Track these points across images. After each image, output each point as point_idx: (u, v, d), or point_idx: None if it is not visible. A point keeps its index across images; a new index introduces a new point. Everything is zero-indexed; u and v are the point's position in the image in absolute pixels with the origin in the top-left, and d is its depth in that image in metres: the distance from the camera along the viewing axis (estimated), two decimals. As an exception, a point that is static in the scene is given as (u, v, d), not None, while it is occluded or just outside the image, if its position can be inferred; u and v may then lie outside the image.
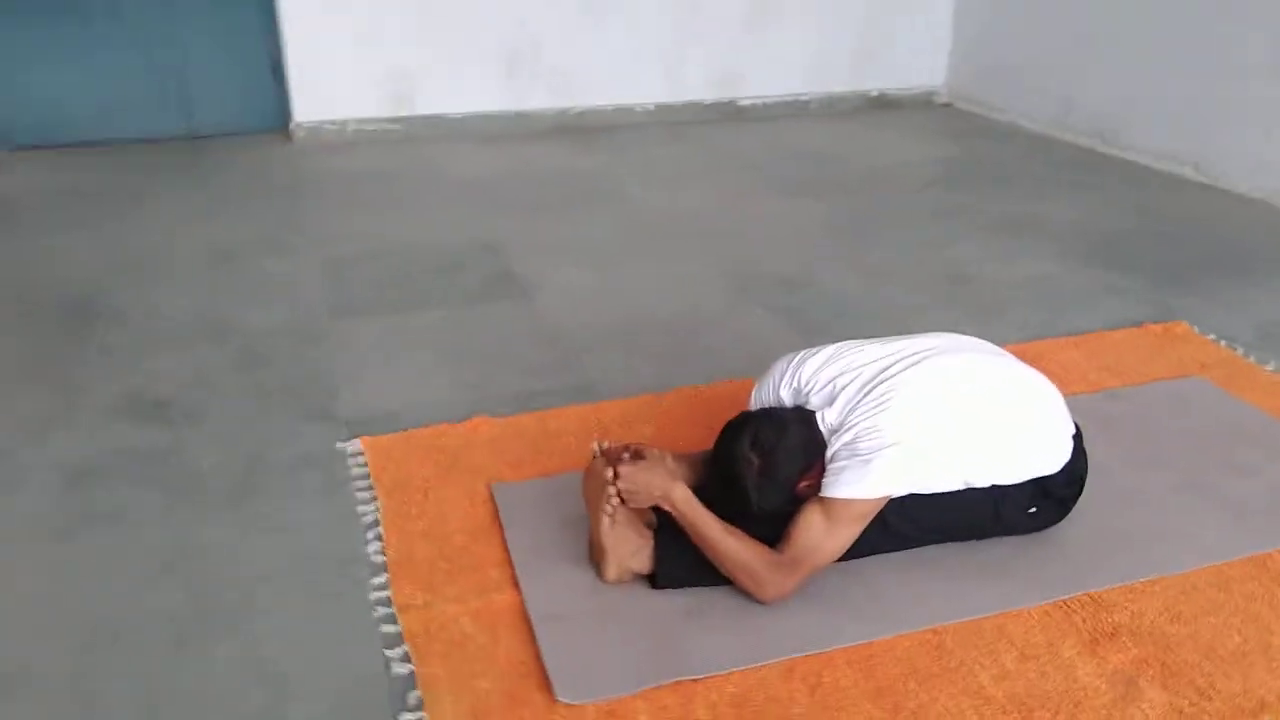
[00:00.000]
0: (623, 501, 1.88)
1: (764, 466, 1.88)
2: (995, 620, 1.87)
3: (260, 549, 2.07)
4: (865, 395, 1.93)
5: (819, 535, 1.84)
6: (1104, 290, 3.45)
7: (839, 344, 2.09)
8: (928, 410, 1.91)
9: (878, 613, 1.88)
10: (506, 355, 2.92)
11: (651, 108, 5.74)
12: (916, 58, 6.14)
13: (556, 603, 1.89)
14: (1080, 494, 2.08)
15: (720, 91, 5.85)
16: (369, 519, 2.15)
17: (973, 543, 2.05)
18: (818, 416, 1.96)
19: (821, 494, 1.86)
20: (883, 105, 6.18)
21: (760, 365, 2.18)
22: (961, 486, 1.96)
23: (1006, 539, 2.05)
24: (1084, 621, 1.86)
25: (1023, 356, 2.64)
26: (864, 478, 1.83)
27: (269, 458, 2.38)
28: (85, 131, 5.04)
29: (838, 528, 1.84)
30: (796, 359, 2.07)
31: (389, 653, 1.78)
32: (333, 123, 5.23)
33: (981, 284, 3.52)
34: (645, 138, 5.44)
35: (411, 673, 1.73)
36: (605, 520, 1.88)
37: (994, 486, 1.97)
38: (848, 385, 1.97)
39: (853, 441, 1.88)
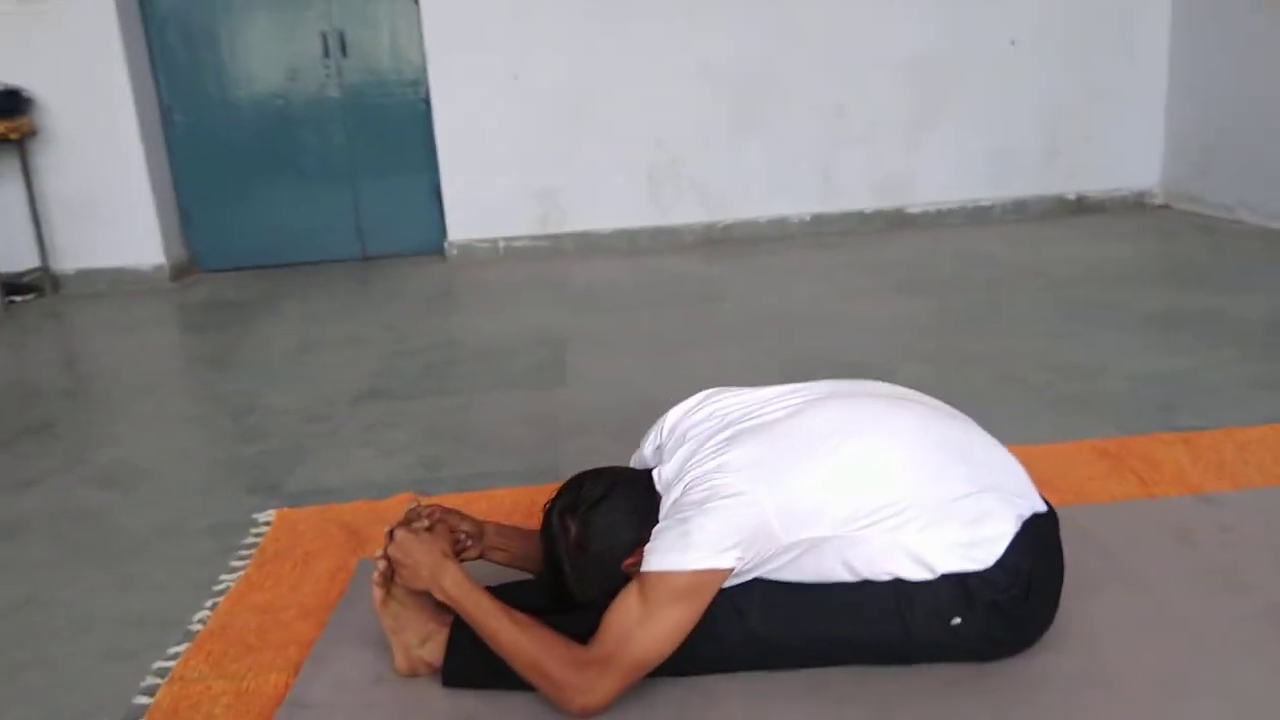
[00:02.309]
0: (393, 574, 1.54)
1: (580, 536, 1.49)
2: (857, 773, 1.31)
3: (96, 603, 1.94)
4: (709, 441, 1.49)
5: (631, 622, 1.39)
6: (1255, 385, 2.64)
7: (718, 389, 1.67)
8: (788, 462, 1.43)
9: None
10: (488, 438, 2.68)
11: (807, 219, 5.42)
12: (1123, 156, 5.39)
13: (322, 690, 1.56)
14: (1043, 604, 1.46)
15: (884, 199, 5.42)
16: (221, 587, 1.95)
17: (904, 669, 1.48)
18: (655, 474, 1.54)
19: (641, 568, 1.42)
20: (1082, 209, 5.44)
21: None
22: (850, 577, 1.44)
23: (960, 668, 1.47)
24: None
25: (1106, 453, 2.16)
26: (682, 541, 1.38)
27: (186, 525, 2.27)
28: (276, 255, 5.57)
29: (654, 612, 1.38)
30: (671, 411, 1.67)
31: (112, 723, 1.54)
32: (484, 241, 5.39)
33: (1095, 377, 2.83)
34: (789, 248, 5.11)
35: (119, 750, 1.48)
36: (377, 593, 1.54)
37: (897, 581, 1.43)
38: (699, 435, 1.54)
39: (680, 498, 1.44)
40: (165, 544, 2.19)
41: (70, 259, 5.28)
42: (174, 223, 5.47)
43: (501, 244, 5.38)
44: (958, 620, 1.42)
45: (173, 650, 1.73)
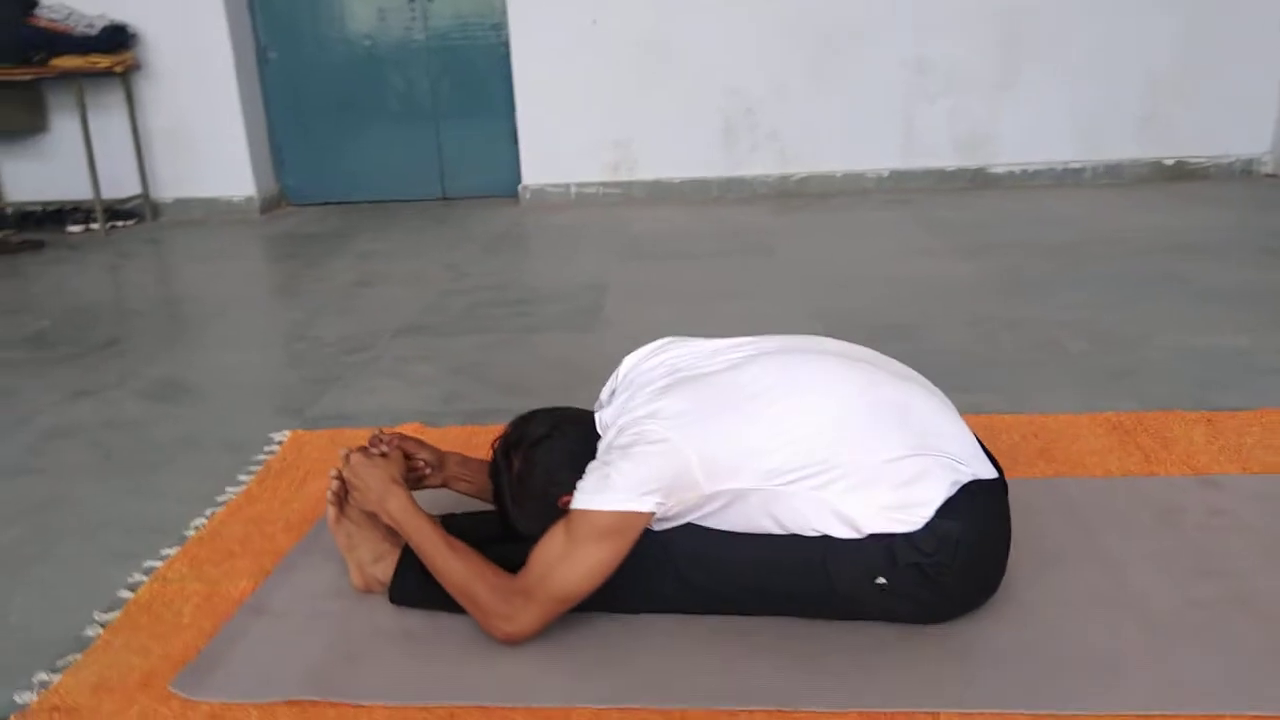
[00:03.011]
0: (346, 494, 1.61)
1: (522, 472, 1.53)
2: (756, 718, 1.31)
3: (113, 507, 2.08)
4: (648, 388, 1.51)
5: (554, 557, 1.43)
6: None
7: (676, 338, 1.67)
8: (716, 414, 1.43)
9: (625, 678, 1.41)
10: (509, 377, 2.74)
11: (884, 175, 5.27)
12: (1230, 121, 5.03)
13: (281, 599, 1.66)
14: (974, 571, 1.42)
15: (966, 158, 5.22)
16: (223, 499, 2.07)
17: (835, 624, 1.47)
18: (597, 417, 1.56)
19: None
20: (1181, 176, 5.12)
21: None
22: (777, 530, 1.44)
23: (891, 629, 1.46)
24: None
25: (1118, 426, 2.15)
26: (604, 482, 1.40)
27: (210, 440, 2.41)
28: (361, 193, 5.76)
29: (577, 549, 1.41)
30: (628, 357, 1.68)
31: (98, 614, 1.66)
32: (556, 186, 5.44)
33: (1138, 349, 2.69)
34: (862, 204, 4.99)
35: (94, 636, 1.60)
36: (330, 511, 1.62)
37: (824, 538, 1.42)
38: (643, 382, 1.55)
39: (612, 441, 1.46)
40: (188, 456, 2.33)
41: (169, 188, 5.57)
42: (266, 157, 5.70)
43: (573, 189, 5.42)
44: (882, 580, 1.40)
45: (164, 552, 1.85)
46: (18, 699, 1.45)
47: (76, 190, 5.30)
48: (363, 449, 1.62)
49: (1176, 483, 1.89)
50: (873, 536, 1.39)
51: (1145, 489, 1.87)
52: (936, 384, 2.22)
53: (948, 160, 5.23)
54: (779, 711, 1.32)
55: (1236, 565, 1.60)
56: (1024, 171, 5.21)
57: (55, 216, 5.44)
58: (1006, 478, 1.51)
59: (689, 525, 1.47)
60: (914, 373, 1.58)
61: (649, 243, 4.42)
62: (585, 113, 5.31)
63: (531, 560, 1.45)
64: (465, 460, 1.75)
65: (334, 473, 1.62)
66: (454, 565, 1.48)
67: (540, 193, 5.45)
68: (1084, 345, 2.75)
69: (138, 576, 1.78)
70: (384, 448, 1.63)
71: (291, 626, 1.58)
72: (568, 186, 5.43)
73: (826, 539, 1.41)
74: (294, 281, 4.18)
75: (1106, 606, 1.51)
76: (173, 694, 1.43)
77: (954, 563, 1.38)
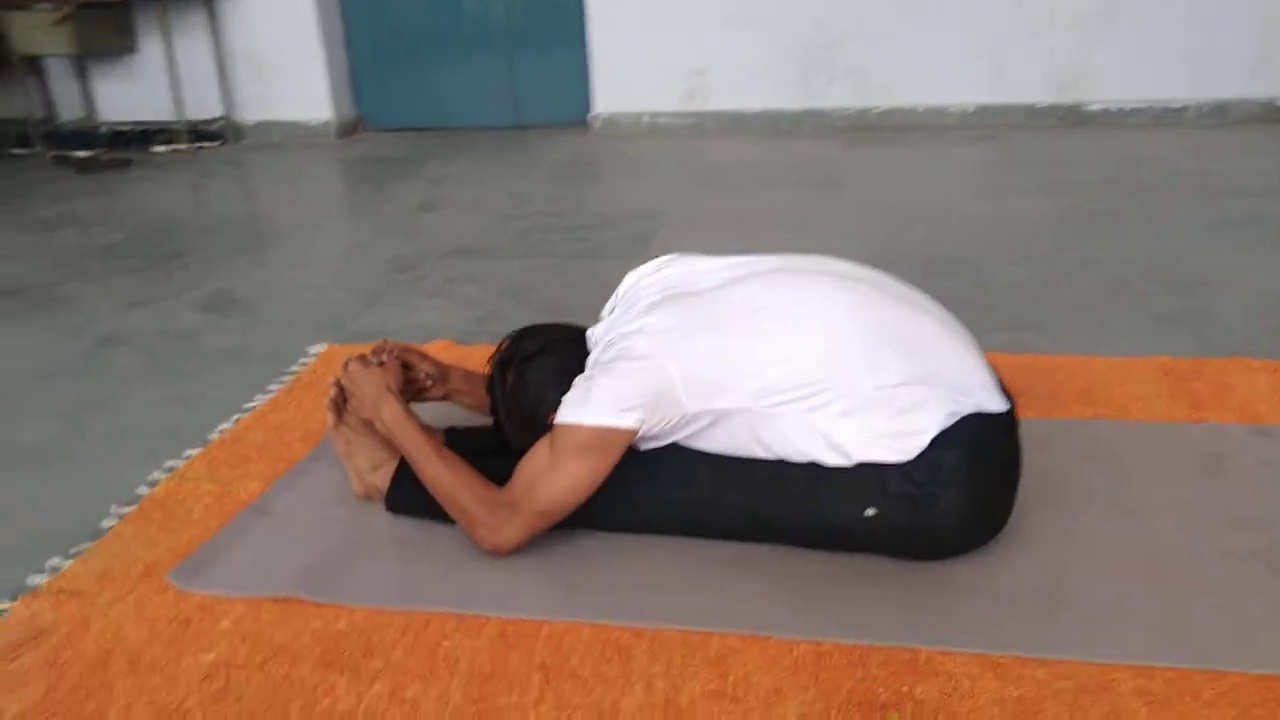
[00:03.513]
0: (345, 401, 1.62)
1: (514, 388, 1.51)
2: (730, 642, 1.28)
3: (149, 411, 2.15)
4: (639, 305, 1.46)
5: (538, 471, 1.41)
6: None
7: (679, 255, 1.62)
8: (703, 331, 1.38)
9: (603, 595, 1.39)
10: (549, 300, 2.73)
11: (970, 110, 5.02)
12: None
13: (285, 502, 1.69)
14: (969, 507, 1.35)
15: (1060, 94, 4.92)
16: (251, 406, 2.11)
17: (828, 555, 1.42)
18: (589, 334, 1.52)
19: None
20: (1299, 116, 4.75)
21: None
22: (765, 454, 1.39)
23: (885, 563, 1.40)
24: (855, 680, 1.20)
25: (1171, 371, 2.03)
26: (585, 396, 1.37)
27: (252, 351, 2.46)
28: (437, 119, 5.77)
29: (559, 463, 1.39)
30: (630, 274, 1.63)
31: (115, 508, 1.72)
32: (628, 115, 5.34)
33: (1210, 293, 2.51)
34: (944, 140, 4.76)
35: (108, 528, 1.65)
36: (329, 418, 1.63)
37: (812, 464, 1.36)
38: (639, 299, 1.51)
39: (598, 357, 1.43)
40: (227, 366, 2.38)
41: (251, 111, 5.67)
42: (344, 82, 5.73)
43: (645, 118, 5.32)
44: (871, 511, 1.34)
45: (187, 453, 1.90)
46: (29, 581, 1.52)
47: (164, 111, 5.45)
48: (362, 358, 1.62)
49: (1225, 430, 1.76)
50: (863, 465, 1.33)
51: (1189, 435, 1.75)
52: (984, 320, 2.15)
53: (1039, 96, 4.94)
54: (752, 636, 1.28)
55: (1275, 516, 1.49)
56: (1120, 110, 4.89)
57: (143, 137, 5.60)
58: (1041, 417, 1.43)
59: (676, 446, 1.43)
60: (923, 297, 1.49)
61: (715, 173, 4.33)
62: (660, 40, 5.18)
63: (517, 473, 1.44)
64: (469, 375, 1.73)
65: (333, 380, 1.62)
66: (443, 475, 1.48)
67: (612, 121, 5.36)
68: (1155, 288, 2.58)
69: (157, 475, 1.83)
70: (383, 357, 1.63)
71: (290, 528, 1.61)
72: (639, 115, 5.33)
73: (815, 466, 1.35)
74: (361, 204, 4.23)
75: (1122, 553, 1.42)
76: (168, 584, 1.47)
77: (946, 496, 1.31)
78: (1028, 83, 4.93)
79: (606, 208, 3.79)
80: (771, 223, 3.45)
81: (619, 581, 1.42)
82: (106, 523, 1.67)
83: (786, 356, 1.34)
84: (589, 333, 1.53)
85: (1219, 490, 1.57)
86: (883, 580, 1.38)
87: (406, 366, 1.66)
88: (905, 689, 1.18)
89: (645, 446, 1.44)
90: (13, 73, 5.47)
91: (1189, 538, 1.45)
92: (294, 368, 2.31)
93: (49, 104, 5.89)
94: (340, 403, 1.62)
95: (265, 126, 5.66)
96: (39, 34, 5.21)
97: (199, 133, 5.54)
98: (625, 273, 2.89)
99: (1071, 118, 4.94)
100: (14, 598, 1.47)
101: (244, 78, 5.60)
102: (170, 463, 1.87)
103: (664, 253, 2.92)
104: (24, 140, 5.56)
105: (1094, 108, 4.92)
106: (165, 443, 1.97)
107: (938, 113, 5.05)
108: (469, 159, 4.92)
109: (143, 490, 1.77)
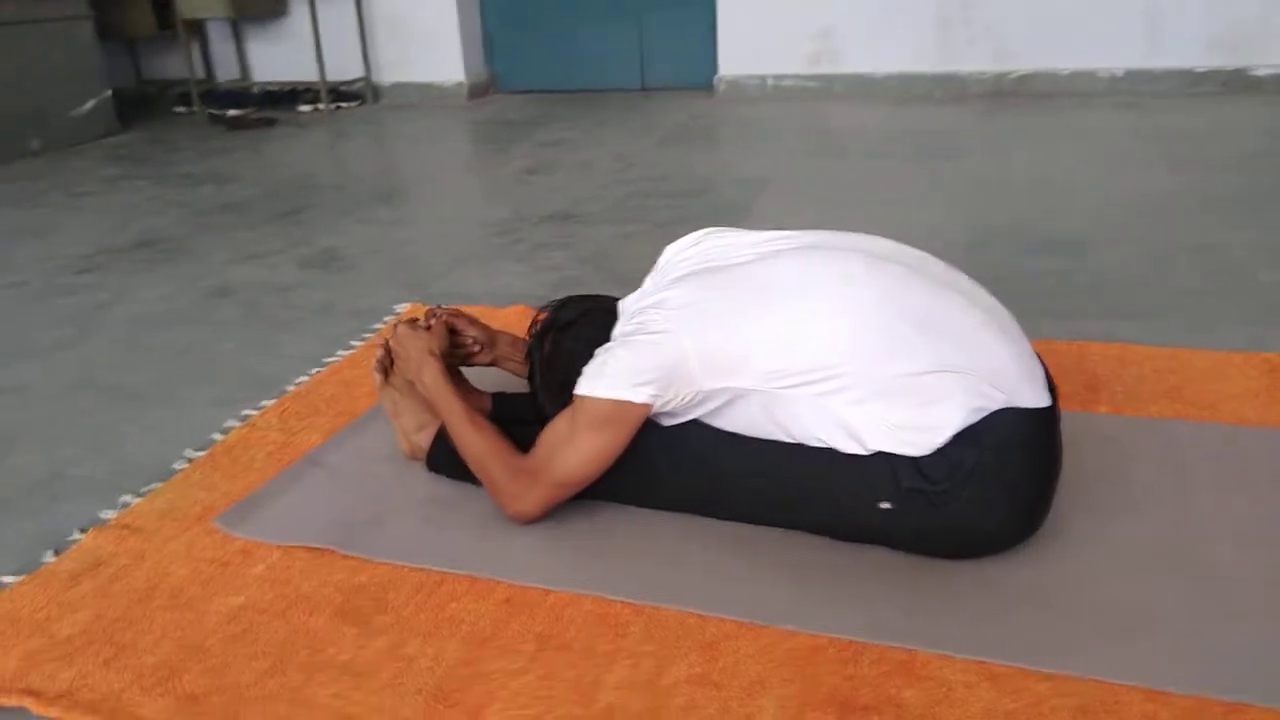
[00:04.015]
0: (392, 363, 1.67)
1: (549, 356, 1.52)
2: (725, 627, 1.26)
3: (237, 360, 2.28)
4: (668, 277, 1.44)
5: (559, 441, 1.42)
6: None
7: (720, 229, 1.59)
8: (721, 308, 1.36)
9: (612, 570, 1.39)
10: (630, 268, 2.69)
11: (1119, 75, 4.68)
12: None
13: (338, 456, 1.76)
14: (989, 507, 1.27)
15: (1224, 57, 4.52)
16: (330, 360, 2.21)
17: (838, 545, 1.38)
18: (620, 305, 1.51)
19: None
20: None
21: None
22: (783, 436, 1.35)
23: (903, 558, 1.35)
24: (842, 678, 1.16)
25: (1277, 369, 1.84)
26: (601, 370, 1.37)
27: (341, 307, 2.56)
28: (566, 81, 5.83)
29: (577, 434, 1.40)
30: (670, 246, 1.61)
31: (189, 451, 1.84)
32: (753, 78, 5.25)
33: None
34: (1087, 107, 4.46)
35: (177, 470, 1.77)
36: (375, 379, 1.68)
37: (829, 450, 1.31)
38: (671, 273, 1.49)
39: (621, 329, 1.42)
40: (317, 320, 2.49)
41: (389, 72, 5.87)
42: (477, 45, 5.86)
43: (770, 82, 5.22)
44: (886, 505, 1.29)
45: (262, 403, 2.01)
46: (102, 515, 1.65)
47: (309, 72, 5.71)
48: (411, 321, 1.67)
49: (1309, 437, 1.60)
50: (879, 455, 1.28)
51: (1278, 443, 1.60)
52: (1077, 306, 2.04)
53: (1198, 60, 4.56)
54: (749, 624, 1.26)
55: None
56: (1295, 75, 4.47)
57: (290, 96, 5.89)
58: (1114, 413, 1.33)
59: (697, 423, 1.41)
60: (967, 282, 1.40)
61: (832, 140, 4.21)
62: (789, 2, 5.05)
63: (539, 443, 1.45)
64: (515, 341, 1.76)
65: (381, 341, 1.68)
66: (474, 440, 1.51)
67: (736, 85, 5.28)
68: (1275, 278, 2.35)
69: (232, 422, 1.94)
70: (431, 321, 1.67)
71: (336, 481, 1.68)
72: (764, 79, 5.22)
73: (832, 452, 1.31)
74: (476, 165, 4.33)
75: (1162, 566, 1.32)
76: (215, 527, 1.56)
77: (964, 495, 1.24)
78: (1186, 44, 4.56)
79: (712, 174, 3.74)
80: (874, 194, 3.33)
81: (629, 557, 1.42)
82: (178, 464, 1.79)
83: (802, 338, 1.30)
84: (621, 303, 1.52)
85: (1300, 504, 1.43)
86: (894, 576, 1.33)
87: (454, 332, 1.69)
88: (893, 692, 1.14)
89: (666, 422, 1.42)
90: (176, 36, 5.84)
91: (1242, 557, 1.32)
92: (376, 325, 2.40)
93: (209, 65, 6.27)
94: (388, 364, 1.68)
95: (402, 87, 5.85)
96: (198, -2, 5.54)
97: (340, 93, 5.78)
98: None
99: (1235, 83, 4.54)
100: (84, 529, 1.60)
101: (384, 40, 5.80)
102: (246, 411, 1.99)
103: (755, 223, 2.92)
104: (185, 99, 5.95)
105: (1262, 72, 4.50)
106: (247, 391, 2.09)
107: (1083, 77, 4.74)
108: (589, 122, 4.95)
109: (216, 436, 1.89)
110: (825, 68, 5.10)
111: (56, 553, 1.54)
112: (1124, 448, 1.60)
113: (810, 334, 1.30)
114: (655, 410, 1.37)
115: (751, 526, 1.45)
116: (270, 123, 5.42)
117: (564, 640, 1.27)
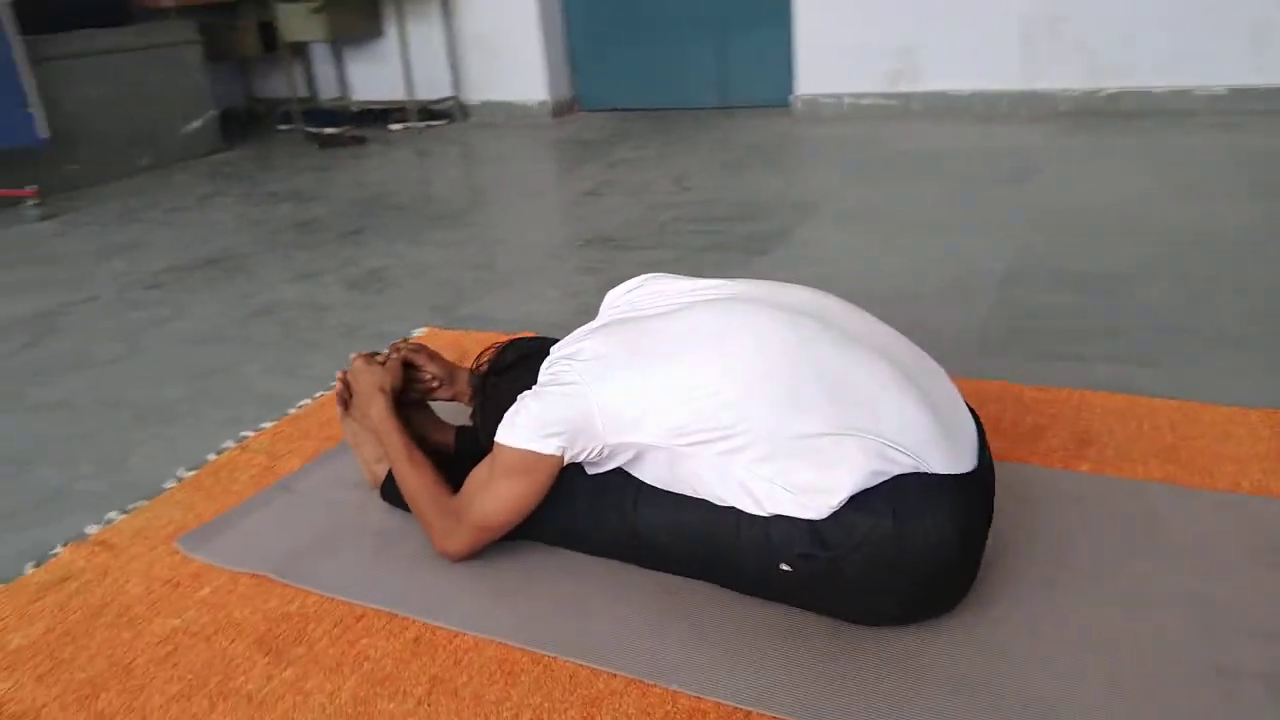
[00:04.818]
0: (350, 395, 1.71)
1: (487, 399, 1.54)
2: (615, 684, 1.24)
3: (266, 377, 2.39)
4: (588, 326, 1.44)
5: (478, 484, 1.44)
6: None
7: (658, 275, 1.57)
8: (625, 362, 1.34)
9: (527, 616, 1.39)
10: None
11: (1221, 93, 4.38)
12: None
13: (308, 482, 1.82)
14: (894, 578, 1.21)
15: (1340, 73, 4.19)
16: (333, 383, 2.27)
17: (758, 604, 1.35)
18: (553, 350, 1.51)
19: (495, 438, 1.44)
20: None
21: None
22: (690, 492, 1.32)
23: (819, 621, 1.31)
24: (714, 747, 1.13)
25: None
26: (514, 419, 1.38)
27: (367, 330, 2.65)
28: (646, 100, 5.86)
29: (494, 480, 1.42)
30: (613, 290, 1.61)
31: (182, 471, 1.93)
32: (830, 96, 5.15)
33: None
34: (1182, 127, 4.20)
35: (166, 489, 1.86)
36: (338, 409, 1.73)
37: (731, 510, 1.28)
38: (597, 321, 1.48)
39: (540, 380, 1.42)
40: (341, 342, 2.58)
41: (477, 91, 6.03)
42: (562, 64, 5.95)
43: (847, 100, 5.11)
44: (785, 567, 1.24)
45: (262, 425, 2.10)
46: (86, 530, 1.75)
47: (402, 91, 5.91)
48: (369, 355, 1.71)
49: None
50: (778, 517, 1.24)
51: (1267, 516, 1.47)
52: (1090, 350, 1.97)
53: (1311, 75, 4.24)
54: (638, 681, 1.24)
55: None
56: None
57: (383, 115, 6.12)
58: (1094, 472, 1.28)
59: (621, 471, 1.40)
60: (892, 339, 1.34)
61: (897, 162, 4.09)
62: (866, 17, 4.95)
63: (465, 485, 1.47)
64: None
65: (338, 374, 1.73)
66: (409, 476, 1.54)
67: (813, 103, 5.20)
68: (1340, 323, 2.17)
69: (228, 443, 2.03)
70: (387, 355, 1.71)
71: (299, 508, 1.73)
72: (841, 97, 5.12)
73: (735, 511, 1.27)
74: (540, 186, 4.40)
75: (1093, 647, 1.23)
76: (176, 549, 1.64)
77: (858, 561, 1.19)
78: (1298, 60, 4.24)
79: (763, 197, 3.69)
80: (924, 219, 3.23)
81: (544, 602, 1.41)
82: (168, 484, 1.89)
83: (699, 396, 1.27)
84: (553, 349, 1.52)
85: (1264, 590, 1.31)
86: (802, 642, 1.28)
87: (413, 367, 1.73)
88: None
89: (591, 471, 1.42)
90: (280, 58, 6.15)
91: (1189, 642, 1.22)
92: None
93: (311, 85, 6.57)
94: (346, 396, 1.72)
95: (489, 106, 6.00)
96: (299, 22, 5.82)
97: (430, 111, 5.97)
98: (737, 270, 2.88)
99: (1353, 102, 4.20)
100: (66, 543, 1.70)
101: (472, 60, 5.96)
102: (244, 432, 2.08)
103: (789, 251, 2.88)
104: (288, 118, 6.26)
105: (1384, 91, 4.15)
106: (254, 411, 2.18)
107: (1179, 96, 4.47)
108: (661, 141, 4.97)
109: (210, 456, 1.98)
110: (904, 86, 4.97)
111: (37, 564, 1.65)
112: (1088, 512, 1.50)
113: (709, 392, 1.27)
114: (567, 461, 1.37)
115: (675, 577, 1.42)
116: (361, 141, 5.65)
117: (455, 685, 1.28)
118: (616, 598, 1.40)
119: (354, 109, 6.27)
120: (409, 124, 5.90)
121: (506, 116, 5.95)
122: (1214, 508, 1.51)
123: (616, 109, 5.96)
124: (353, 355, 1.72)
